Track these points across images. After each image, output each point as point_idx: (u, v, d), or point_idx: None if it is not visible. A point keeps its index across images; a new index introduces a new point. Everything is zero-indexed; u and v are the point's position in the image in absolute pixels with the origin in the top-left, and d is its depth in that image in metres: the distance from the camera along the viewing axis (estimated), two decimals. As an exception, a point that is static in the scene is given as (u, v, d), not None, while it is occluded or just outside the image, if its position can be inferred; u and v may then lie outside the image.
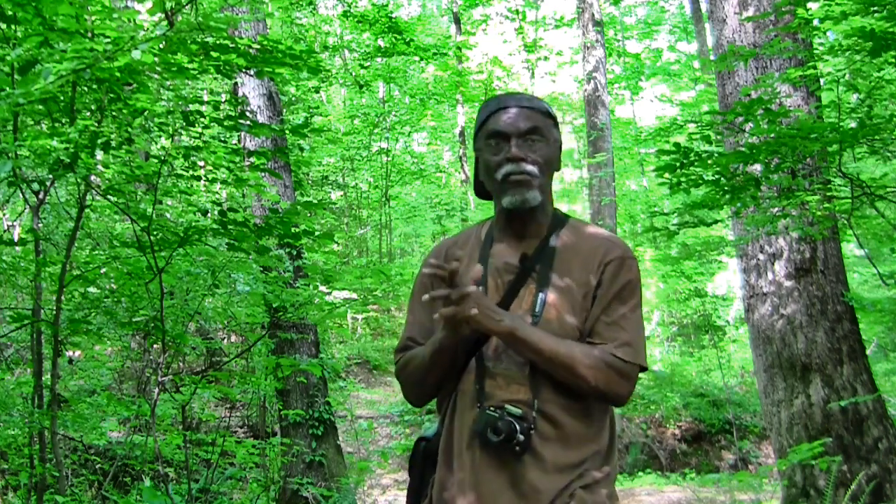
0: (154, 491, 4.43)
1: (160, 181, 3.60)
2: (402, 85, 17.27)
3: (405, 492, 1.92)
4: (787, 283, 5.89)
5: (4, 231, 5.86)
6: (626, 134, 19.47)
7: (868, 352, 7.56)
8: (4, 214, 6.30)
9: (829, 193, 4.68)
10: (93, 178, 3.90)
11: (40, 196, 3.74)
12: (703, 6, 14.77)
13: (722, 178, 4.33)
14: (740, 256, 6.31)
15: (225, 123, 3.47)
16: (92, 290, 4.44)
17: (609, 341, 1.72)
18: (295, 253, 6.81)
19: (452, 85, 16.95)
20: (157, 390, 4.02)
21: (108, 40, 3.00)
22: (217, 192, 7.62)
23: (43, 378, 3.87)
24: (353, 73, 15.44)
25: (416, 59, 15.23)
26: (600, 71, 14.08)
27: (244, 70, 3.44)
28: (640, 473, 10.23)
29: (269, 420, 8.20)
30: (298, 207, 3.84)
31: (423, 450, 1.87)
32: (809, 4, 4.64)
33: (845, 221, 4.97)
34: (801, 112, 5.40)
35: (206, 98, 8.48)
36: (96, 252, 5.44)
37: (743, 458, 10.71)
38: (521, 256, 1.79)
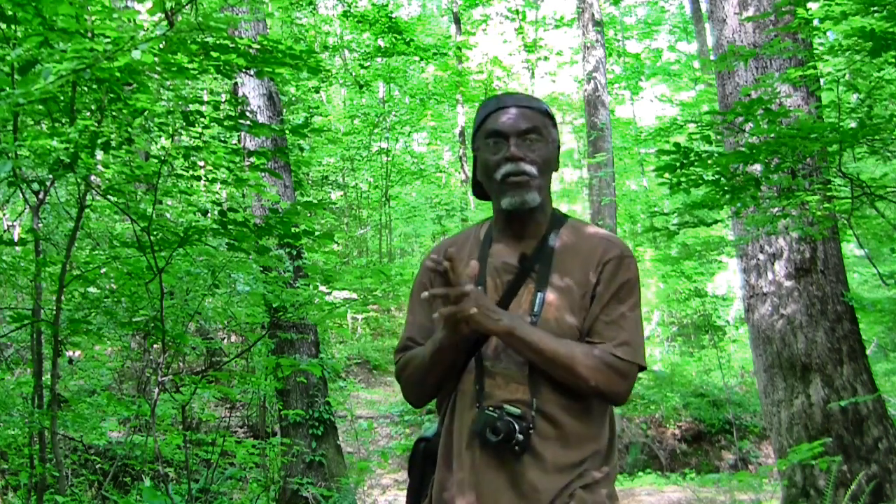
0: (154, 491, 4.43)
1: (160, 181, 3.60)
2: (402, 85, 17.27)
3: (405, 492, 1.92)
4: (787, 283, 5.89)
5: (4, 231, 5.86)
6: (626, 134, 19.47)
7: (868, 352, 7.56)
8: (4, 214, 6.30)
9: (829, 193, 4.68)
10: (93, 178, 3.90)
11: (40, 196, 3.74)
12: (703, 6, 14.77)
13: (722, 178, 4.33)
14: (740, 256, 6.31)
15: (225, 123, 3.47)
16: (92, 290, 4.44)
17: (608, 340, 1.72)
18: (295, 253, 6.81)
19: (452, 85, 16.95)
20: (157, 390, 4.02)
21: (108, 40, 2.99)
22: (217, 192, 7.62)
23: (43, 378, 3.87)
24: (353, 73, 15.44)
25: (416, 59, 15.22)
26: (600, 71, 14.08)
27: (244, 70, 3.44)
28: (640, 473, 10.23)
29: (269, 420, 8.20)
30: (298, 207, 3.84)
31: (423, 450, 1.87)
32: (809, 4, 4.64)
33: (845, 221, 4.97)
34: (801, 112, 5.39)
35: (206, 98, 8.48)
36: (96, 252, 5.44)
37: (743, 458, 10.71)
38: (519, 256, 1.80)
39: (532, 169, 1.78)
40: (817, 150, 4.02)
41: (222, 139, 4.09)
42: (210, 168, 3.77)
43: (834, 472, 5.24)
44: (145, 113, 3.42)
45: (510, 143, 1.78)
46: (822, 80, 5.17)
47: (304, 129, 4.19)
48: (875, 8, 3.72)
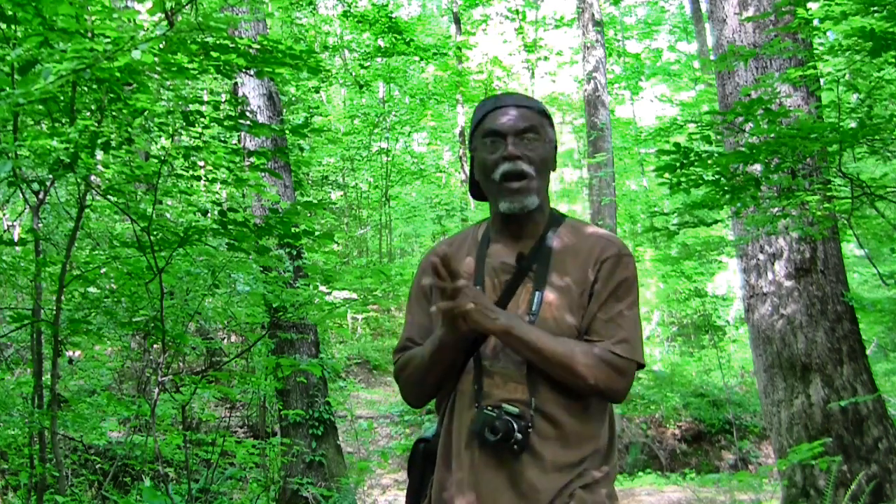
0: (154, 491, 4.43)
1: (160, 181, 3.60)
2: (402, 85, 17.26)
3: (405, 492, 1.92)
4: (787, 283, 5.89)
5: (4, 231, 5.86)
6: (626, 134, 19.47)
7: (868, 352, 7.56)
8: (4, 214, 6.30)
9: (829, 193, 4.68)
10: (93, 178, 3.90)
11: (40, 196, 3.74)
12: (703, 6, 14.78)
13: (722, 178, 4.33)
14: (740, 256, 6.31)
15: (225, 123, 3.47)
16: (92, 290, 4.44)
17: (606, 338, 1.72)
18: (295, 253, 6.81)
19: (452, 85, 16.94)
20: (157, 390, 4.02)
21: (108, 40, 3.00)
22: (217, 192, 7.62)
23: (43, 378, 3.87)
24: (353, 73, 15.44)
25: (416, 59, 15.22)
26: (600, 71, 14.08)
27: (244, 70, 3.44)
28: (640, 473, 10.23)
29: (269, 420, 8.20)
30: (298, 207, 3.84)
31: (423, 451, 1.87)
32: (809, 4, 4.64)
33: (845, 221, 4.97)
34: (801, 112, 5.40)
35: (206, 98, 8.48)
36: (96, 252, 5.44)
37: (743, 458, 10.71)
38: (517, 256, 1.80)
39: (529, 168, 1.78)
40: (817, 150, 4.02)
41: (222, 139, 4.09)
42: (210, 168, 3.77)
43: (834, 472, 5.24)
44: (145, 113, 3.42)
45: (508, 142, 1.79)
46: (822, 80, 5.17)
47: (304, 129, 4.19)
48: (875, 8, 3.72)
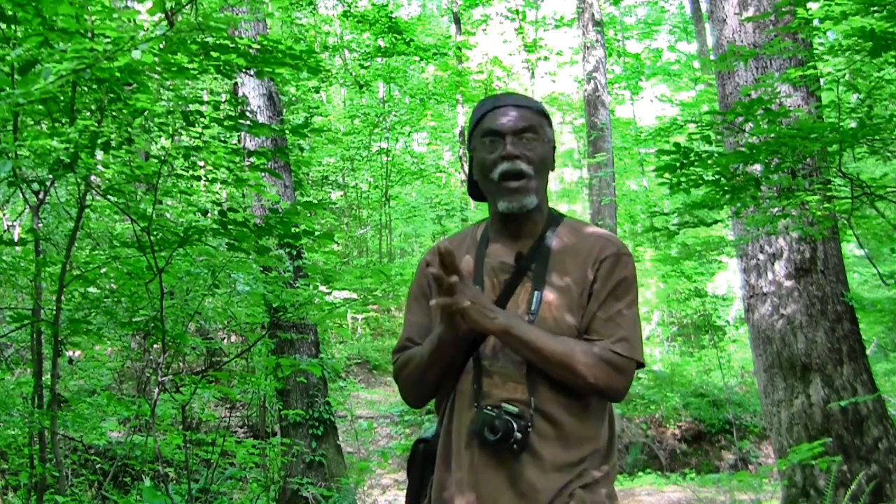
0: (154, 491, 4.43)
1: (160, 181, 3.60)
2: (402, 85, 17.26)
3: (405, 492, 1.92)
4: (787, 283, 5.89)
5: (4, 231, 5.86)
6: (626, 134, 19.47)
7: (868, 352, 7.56)
8: (4, 214, 6.30)
9: (829, 193, 4.68)
10: (93, 178, 3.90)
11: (40, 196, 3.74)
12: (703, 6, 14.78)
13: (722, 178, 4.33)
14: (740, 256, 6.31)
15: (225, 123, 3.47)
16: (92, 290, 4.44)
17: (606, 337, 1.72)
18: (295, 253, 6.81)
19: (452, 85, 16.94)
20: (157, 390, 4.02)
21: (108, 40, 3.00)
22: (217, 192, 7.62)
23: (43, 378, 3.87)
24: (353, 73, 15.44)
25: (416, 59, 15.22)
26: (600, 71, 14.08)
27: (244, 70, 3.44)
28: (640, 473, 10.23)
29: (269, 420, 8.20)
30: (298, 207, 3.85)
31: (422, 451, 1.87)
32: (809, 4, 4.64)
33: (845, 221, 4.97)
34: (801, 112, 5.40)
35: (206, 98, 8.48)
36: (96, 252, 5.44)
37: (743, 458, 10.71)
38: (516, 255, 1.80)
39: (528, 168, 1.78)
40: (817, 150, 4.02)
41: (222, 139, 4.09)
42: (210, 168, 3.77)
43: (834, 472, 5.24)
44: (145, 113, 3.42)
45: (506, 141, 1.79)
46: (822, 80, 5.17)
47: (304, 129, 4.19)
48: (875, 8, 3.72)
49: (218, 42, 3.11)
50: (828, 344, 5.73)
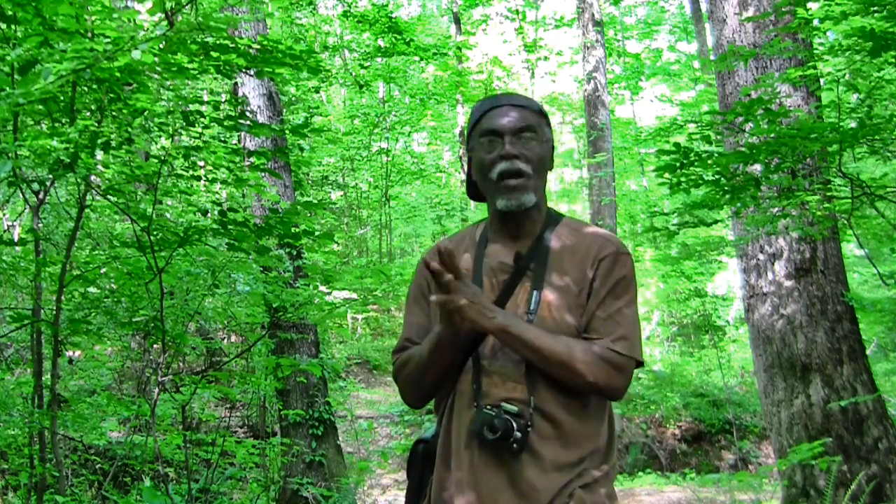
0: (154, 491, 4.43)
1: (160, 181, 3.60)
2: (402, 85, 17.26)
3: (405, 492, 1.92)
4: (787, 283, 5.89)
5: (4, 231, 5.86)
6: (626, 134, 19.47)
7: (868, 352, 7.56)
8: (4, 214, 6.30)
9: (829, 193, 4.68)
10: (93, 178, 3.90)
11: (40, 196, 3.74)
12: (703, 6, 14.77)
13: (722, 178, 4.34)
14: (740, 256, 6.31)
15: (225, 123, 3.47)
16: (92, 290, 4.44)
17: (605, 336, 1.72)
18: (295, 253, 6.81)
19: (452, 85, 16.94)
20: (157, 390, 4.02)
21: (108, 40, 3.00)
22: (217, 192, 7.62)
23: (43, 378, 3.87)
24: (353, 73, 15.44)
25: (416, 59, 15.22)
26: (600, 71, 14.08)
27: (244, 70, 3.44)
28: (640, 473, 10.23)
29: (269, 420, 8.20)
30: (298, 207, 3.85)
31: (422, 451, 1.87)
32: (809, 4, 4.64)
33: (845, 221, 4.97)
34: (801, 112, 5.40)
35: (206, 98, 8.48)
36: (96, 252, 5.44)
37: (743, 458, 10.71)
38: (515, 255, 1.80)
39: (527, 167, 1.79)
40: (817, 150, 4.02)
41: (222, 139, 4.09)
42: (210, 168, 3.78)
43: (834, 472, 5.24)
44: (145, 113, 3.42)
45: (505, 141, 1.79)
46: (822, 80, 5.17)
47: (304, 129, 4.19)
48: (875, 8, 3.72)
49: (218, 42, 3.11)
50: (828, 344, 5.74)
